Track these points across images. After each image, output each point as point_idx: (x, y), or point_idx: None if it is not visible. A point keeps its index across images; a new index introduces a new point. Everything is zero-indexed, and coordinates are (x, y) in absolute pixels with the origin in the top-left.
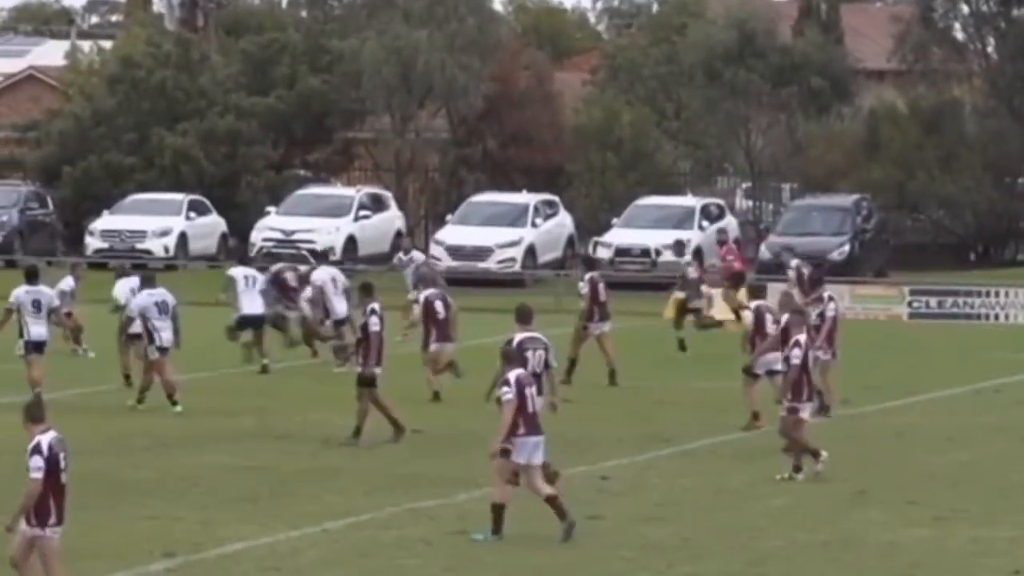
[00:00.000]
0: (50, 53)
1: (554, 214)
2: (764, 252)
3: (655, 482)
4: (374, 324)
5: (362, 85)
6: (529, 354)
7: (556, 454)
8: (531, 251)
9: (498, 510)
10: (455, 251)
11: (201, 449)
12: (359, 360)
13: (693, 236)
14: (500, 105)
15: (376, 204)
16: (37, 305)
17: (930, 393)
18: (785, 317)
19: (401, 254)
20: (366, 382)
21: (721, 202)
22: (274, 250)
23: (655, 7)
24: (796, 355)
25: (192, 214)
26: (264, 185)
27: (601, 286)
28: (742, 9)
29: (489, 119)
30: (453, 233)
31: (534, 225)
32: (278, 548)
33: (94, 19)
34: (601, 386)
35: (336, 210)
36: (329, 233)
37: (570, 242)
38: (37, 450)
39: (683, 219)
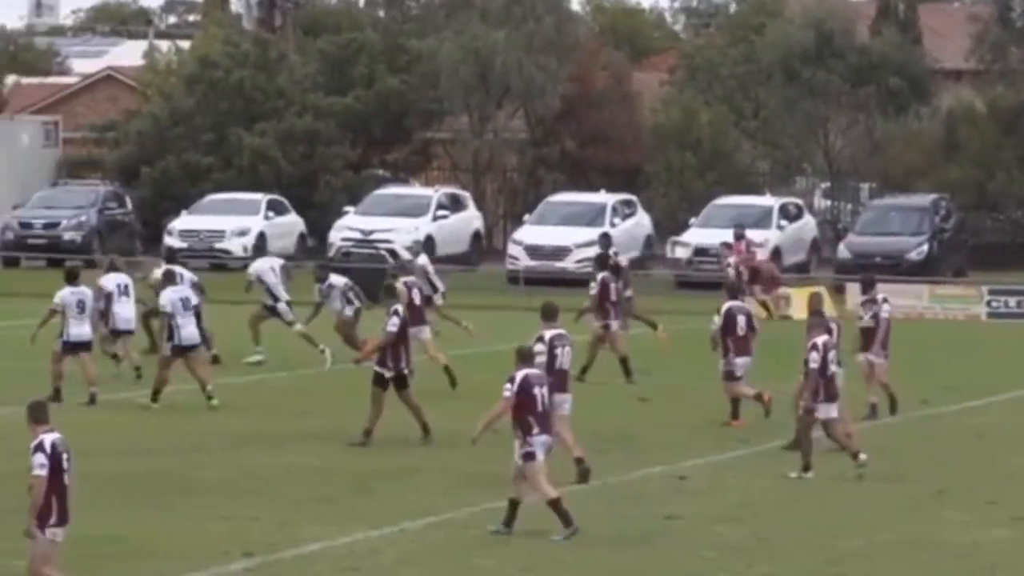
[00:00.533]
0: (128, 53)
1: (632, 214)
2: (843, 252)
3: (733, 482)
4: (392, 324)
5: (440, 85)
6: (558, 351)
7: (633, 453)
8: None
9: (556, 504)
10: (533, 251)
11: (276, 449)
12: (378, 360)
13: (772, 236)
14: (578, 105)
15: (454, 204)
16: (81, 306)
17: (1009, 393)
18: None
19: (410, 255)
20: (396, 382)
21: (800, 202)
22: (352, 250)
23: (733, 7)
24: (813, 358)
25: (271, 214)
26: (342, 185)
27: (612, 286)
28: (820, 9)
29: (567, 119)
30: (531, 233)
31: (612, 225)
32: (356, 548)
33: (171, 19)
34: (677, 386)
35: (414, 210)
36: (407, 233)
37: (648, 242)
38: (40, 448)
39: (761, 219)
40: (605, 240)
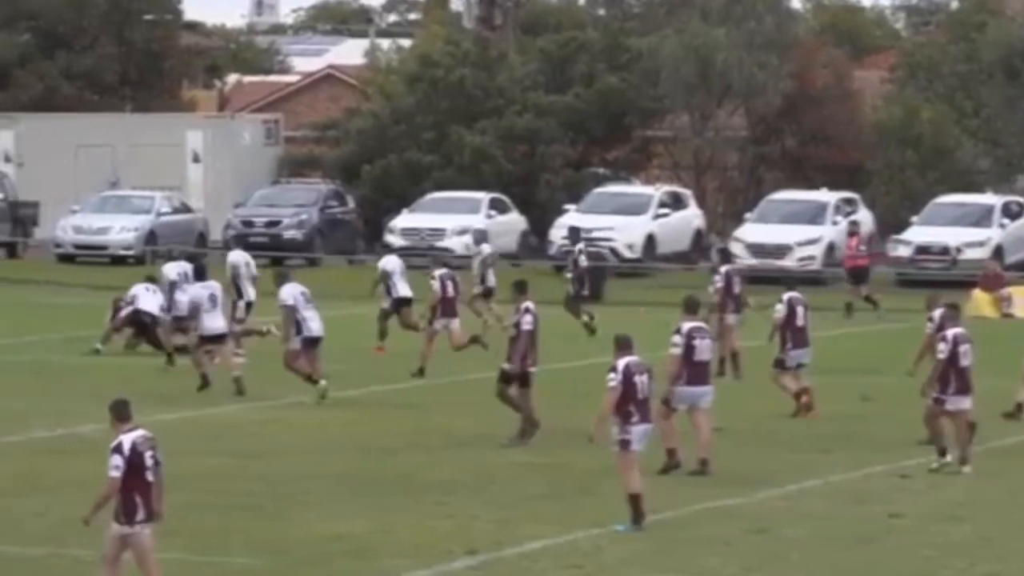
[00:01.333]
0: (349, 52)
1: (854, 212)
2: None
3: (955, 481)
4: (527, 323)
5: (660, 83)
6: (696, 343)
7: (856, 452)
8: (831, 249)
9: (635, 500)
10: (755, 249)
11: (496, 447)
12: (508, 356)
13: (994, 234)
14: (799, 103)
15: (675, 202)
16: (213, 300)
17: None
18: (938, 312)
19: (472, 244)
20: (519, 379)
21: (1022, 200)
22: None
23: (954, 4)
24: (941, 349)
25: (492, 212)
26: (563, 183)
27: (736, 279)
28: None
29: (788, 117)
30: (752, 231)
31: (833, 223)
32: (579, 546)
33: (392, 17)
34: (901, 384)
35: (635, 208)
36: (628, 231)
37: (870, 240)
38: (117, 449)
39: (982, 217)
40: (574, 234)
